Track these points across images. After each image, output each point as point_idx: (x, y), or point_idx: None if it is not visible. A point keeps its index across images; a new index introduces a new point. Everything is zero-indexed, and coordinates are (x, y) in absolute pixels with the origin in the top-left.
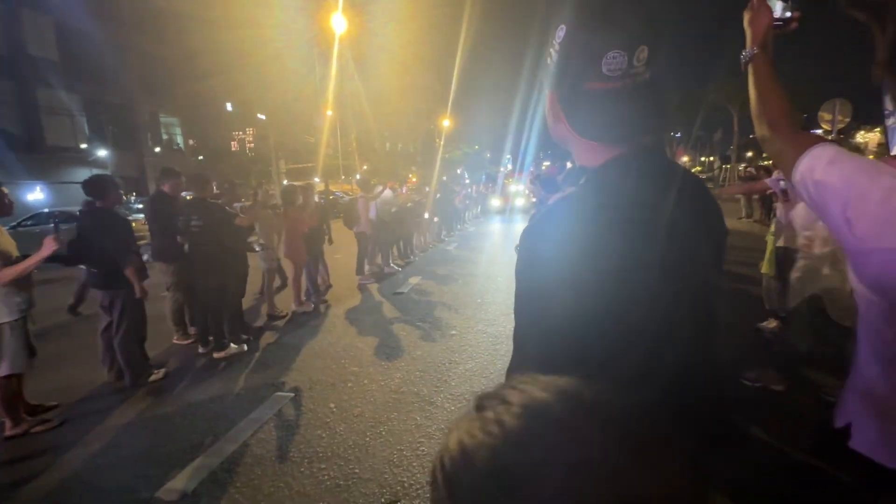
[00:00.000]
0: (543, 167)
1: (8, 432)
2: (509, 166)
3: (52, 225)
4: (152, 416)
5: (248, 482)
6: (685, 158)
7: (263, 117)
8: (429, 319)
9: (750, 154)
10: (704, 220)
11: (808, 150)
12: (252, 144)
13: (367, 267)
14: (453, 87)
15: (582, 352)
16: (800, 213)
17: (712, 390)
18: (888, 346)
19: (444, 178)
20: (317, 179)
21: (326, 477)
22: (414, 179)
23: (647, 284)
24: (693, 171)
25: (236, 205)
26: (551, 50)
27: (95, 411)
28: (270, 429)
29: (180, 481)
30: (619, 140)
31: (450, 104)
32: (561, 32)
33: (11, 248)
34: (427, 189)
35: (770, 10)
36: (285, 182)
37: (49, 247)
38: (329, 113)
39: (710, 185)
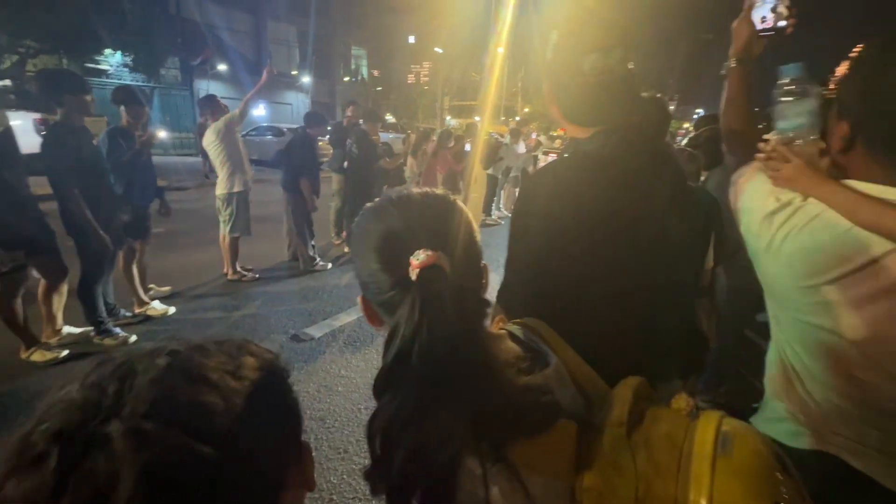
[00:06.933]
0: None
1: (230, 277)
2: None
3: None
4: (308, 289)
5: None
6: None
7: (441, 51)
8: None
9: None
10: (682, 203)
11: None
12: (427, 78)
13: (493, 209)
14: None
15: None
16: None
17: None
18: None
19: None
20: (477, 118)
21: None
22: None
23: (606, 238)
24: None
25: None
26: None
27: (276, 278)
28: None
29: (314, 330)
30: (595, 125)
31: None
32: (554, 37)
33: None
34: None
35: (750, 25)
36: (448, 118)
37: (267, 74)
38: (500, 50)
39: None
